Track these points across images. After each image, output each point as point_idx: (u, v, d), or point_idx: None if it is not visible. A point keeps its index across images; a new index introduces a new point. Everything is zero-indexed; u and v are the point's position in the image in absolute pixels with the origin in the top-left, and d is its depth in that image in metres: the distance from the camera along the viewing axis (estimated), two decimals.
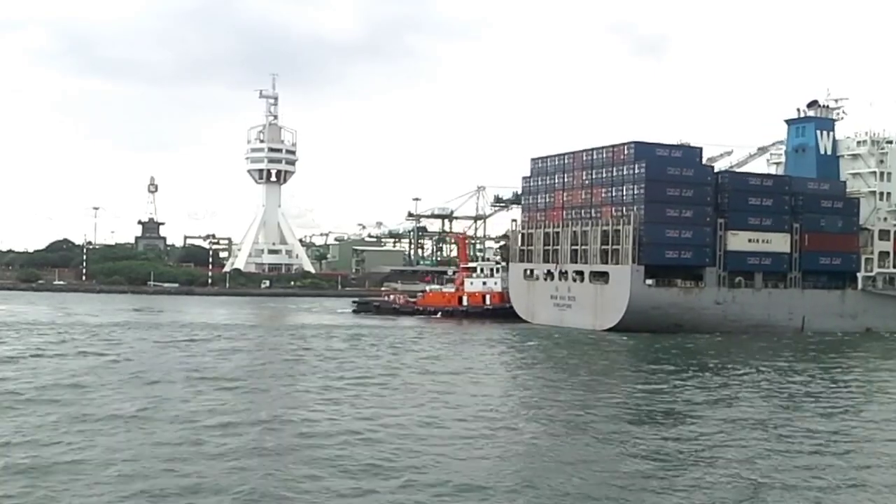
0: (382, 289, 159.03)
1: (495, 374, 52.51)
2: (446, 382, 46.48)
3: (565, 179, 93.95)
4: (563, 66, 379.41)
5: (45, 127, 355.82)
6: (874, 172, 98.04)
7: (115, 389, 41.31)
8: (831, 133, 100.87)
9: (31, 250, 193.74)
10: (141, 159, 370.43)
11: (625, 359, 65.02)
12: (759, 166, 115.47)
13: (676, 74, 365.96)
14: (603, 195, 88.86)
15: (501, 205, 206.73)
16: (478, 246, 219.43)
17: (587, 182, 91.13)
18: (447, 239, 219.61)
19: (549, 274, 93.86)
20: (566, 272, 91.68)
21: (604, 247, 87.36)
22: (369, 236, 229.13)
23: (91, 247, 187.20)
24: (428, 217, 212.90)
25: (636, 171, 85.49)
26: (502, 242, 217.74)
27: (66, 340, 64.01)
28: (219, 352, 59.19)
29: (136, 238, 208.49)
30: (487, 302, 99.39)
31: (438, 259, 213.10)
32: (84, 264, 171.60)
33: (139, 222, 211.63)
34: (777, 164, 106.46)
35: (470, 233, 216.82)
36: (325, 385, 44.48)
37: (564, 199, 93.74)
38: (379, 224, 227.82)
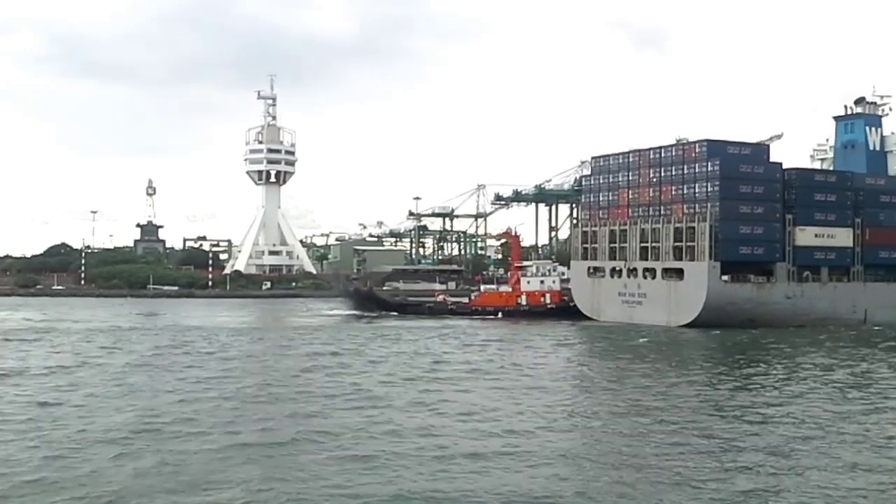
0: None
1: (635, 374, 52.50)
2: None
3: (630, 177, 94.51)
4: (564, 62, 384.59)
5: (41, 131, 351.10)
6: None
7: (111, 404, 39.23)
8: (879, 129, 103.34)
9: (28, 255, 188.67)
10: (138, 162, 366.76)
11: (730, 356, 65.28)
12: None
13: (678, 69, 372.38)
14: (673, 193, 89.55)
15: (502, 203, 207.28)
16: (479, 244, 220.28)
17: (655, 180, 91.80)
18: (448, 237, 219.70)
19: (616, 271, 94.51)
20: (635, 269, 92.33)
21: (676, 244, 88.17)
22: (370, 236, 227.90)
23: (89, 251, 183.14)
24: (429, 216, 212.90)
25: (709, 168, 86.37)
26: (503, 240, 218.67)
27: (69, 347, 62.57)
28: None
29: (135, 241, 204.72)
30: (548, 300, 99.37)
31: (440, 258, 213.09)
32: (83, 268, 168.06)
33: (138, 225, 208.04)
34: (823, 159, 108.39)
35: (471, 231, 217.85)
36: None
37: (630, 196, 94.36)
38: (380, 224, 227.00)
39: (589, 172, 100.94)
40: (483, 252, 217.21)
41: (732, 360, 60.39)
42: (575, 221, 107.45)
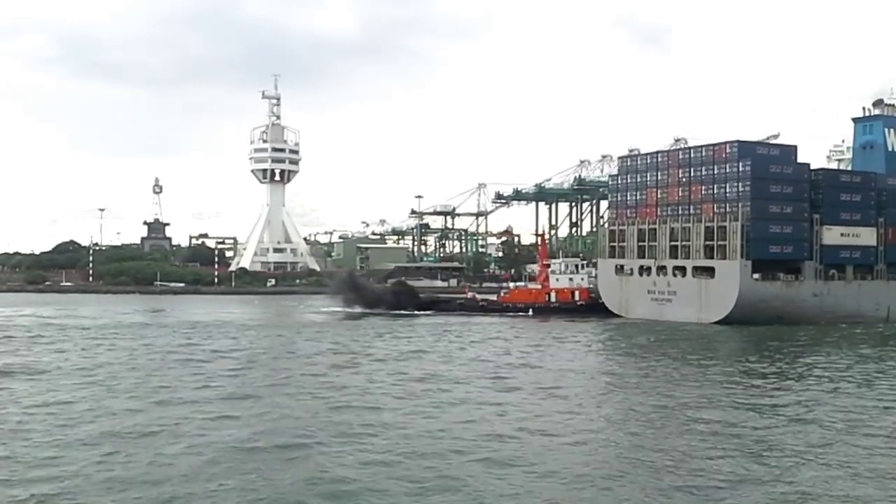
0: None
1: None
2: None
3: (659, 177, 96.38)
4: (564, 61, 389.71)
5: (49, 131, 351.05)
6: None
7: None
8: None
9: (37, 252, 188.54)
10: (145, 162, 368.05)
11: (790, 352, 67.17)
12: None
13: (679, 69, 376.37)
14: (703, 192, 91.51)
15: (502, 201, 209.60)
16: (480, 242, 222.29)
17: (684, 180, 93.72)
18: (450, 235, 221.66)
19: (645, 269, 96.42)
20: (665, 267, 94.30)
21: (707, 242, 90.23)
22: (373, 234, 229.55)
23: (97, 248, 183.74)
24: (430, 214, 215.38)
25: (740, 169, 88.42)
26: (504, 238, 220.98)
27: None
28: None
29: (142, 239, 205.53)
30: (577, 298, 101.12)
31: (441, 256, 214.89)
32: (91, 265, 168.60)
33: (145, 223, 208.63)
34: (840, 160, 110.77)
35: (472, 229, 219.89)
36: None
37: (659, 196, 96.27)
38: (382, 222, 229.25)
39: (615, 172, 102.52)
40: (484, 250, 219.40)
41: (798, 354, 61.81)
42: (602, 221, 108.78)
